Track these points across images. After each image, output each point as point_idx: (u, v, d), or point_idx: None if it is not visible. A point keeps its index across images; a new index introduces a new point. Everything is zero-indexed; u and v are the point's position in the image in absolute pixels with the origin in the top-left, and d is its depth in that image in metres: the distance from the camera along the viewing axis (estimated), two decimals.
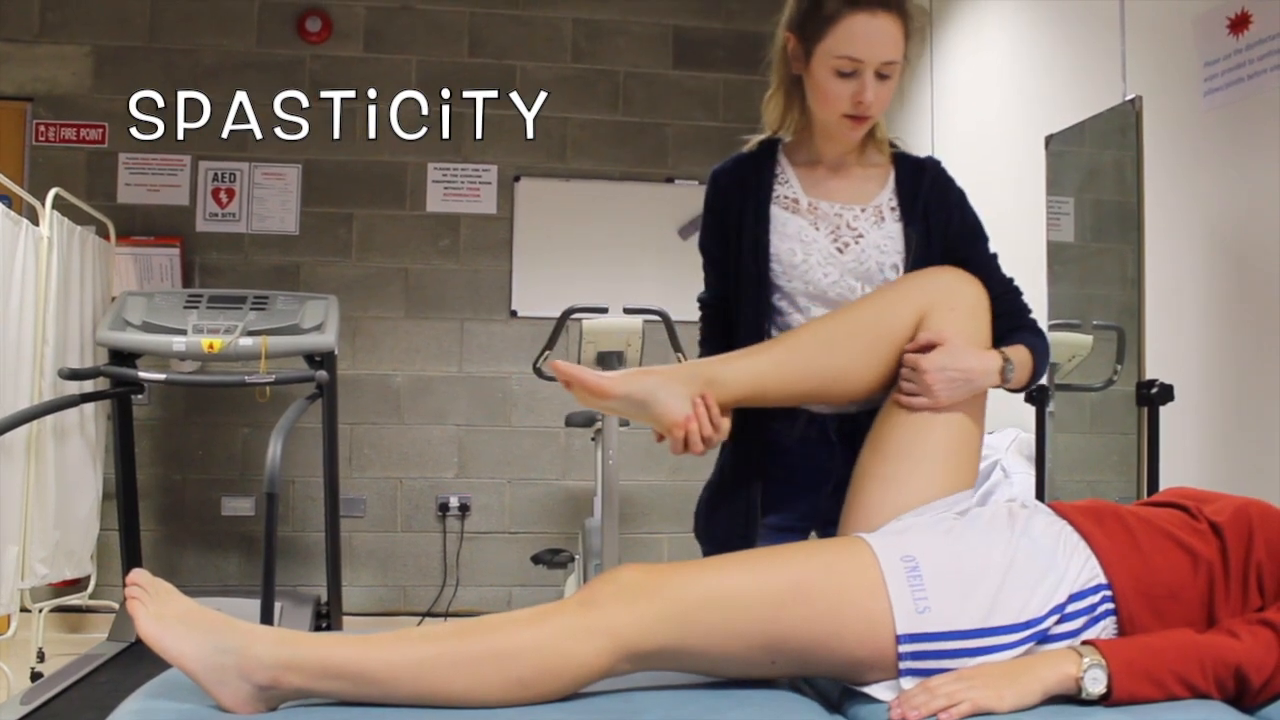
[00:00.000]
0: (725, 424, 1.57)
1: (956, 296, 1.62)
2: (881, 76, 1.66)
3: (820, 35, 1.65)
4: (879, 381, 1.62)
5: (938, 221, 1.76)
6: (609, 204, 5.09)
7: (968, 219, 1.80)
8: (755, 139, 1.86)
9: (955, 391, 1.56)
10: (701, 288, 1.89)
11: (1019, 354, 1.65)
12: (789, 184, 1.80)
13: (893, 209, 1.77)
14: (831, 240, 1.75)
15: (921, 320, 1.59)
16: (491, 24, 5.14)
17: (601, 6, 5.21)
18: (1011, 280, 1.78)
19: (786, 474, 1.79)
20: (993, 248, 1.81)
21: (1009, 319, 1.72)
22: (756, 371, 1.60)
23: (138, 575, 1.36)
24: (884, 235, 1.75)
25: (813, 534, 1.85)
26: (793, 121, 1.81)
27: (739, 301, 1.79)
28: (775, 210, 1.77)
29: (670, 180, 5.16)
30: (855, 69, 1.64)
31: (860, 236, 1.75)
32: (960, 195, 1.82)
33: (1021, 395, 2.70)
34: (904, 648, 1.29)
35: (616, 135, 5.17)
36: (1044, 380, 2.71)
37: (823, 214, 1.76)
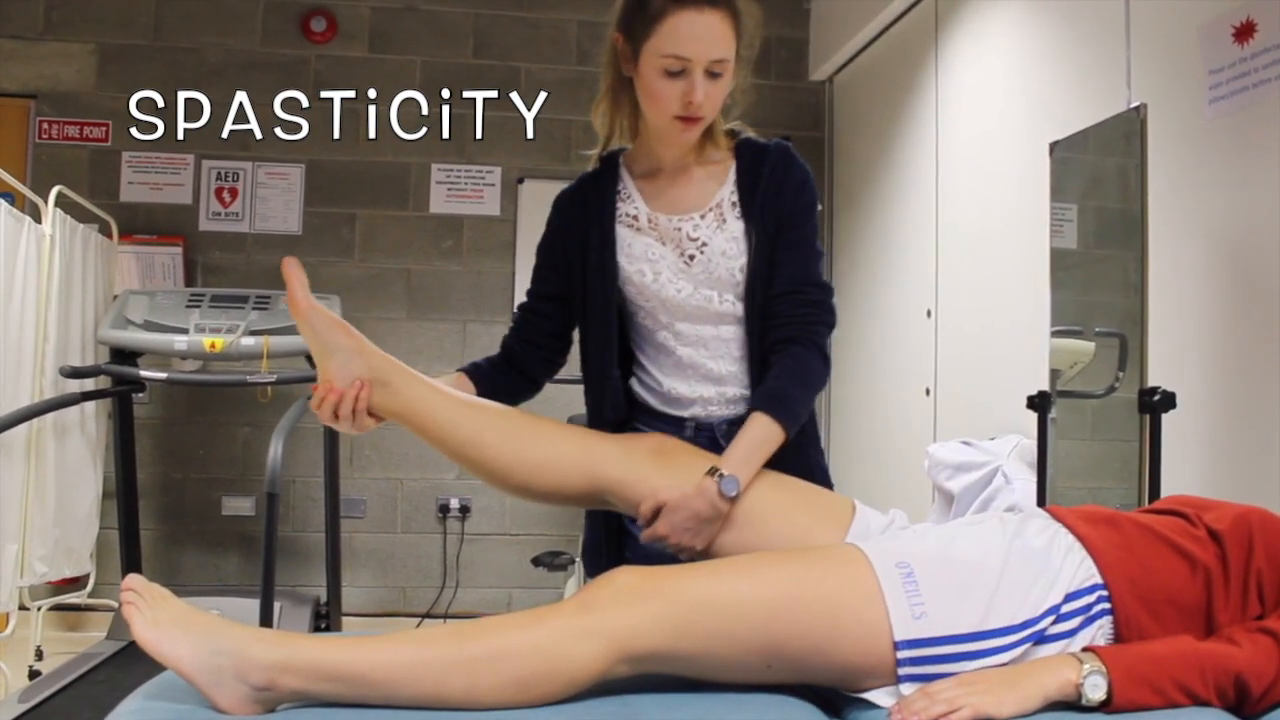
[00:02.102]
0: (367, 423, 1.56)
1: (635, 455, 1.61)
2: (712, 75, 1.62)
3: (646, 34, 1.62)
4: (524, 487, 1.62)
5: (772, 210, 1.70)
6: None
7: (800, 201, 1.72)
8: (594, 154, 1.82)
9: (703, 533, 1.55)
10: None
11: (743, 447, 1.59)
12: (631, 200, 1.76)
13: (734, 205, 1.72)
14: (678, 254, 1.71)
15: (606, 487, 1.59)
16: (496, 25, 5.15)
17: (606, 8, 5.10)
18: (815, 281, 1.71)
19: None
20: (820, 246, 1.74)
21: (786, 328, 1.67)
22: (429, 406, 1.59)
23: (132, 581, 1.36)
24: (727, 238, 1.70)
25: None
26: (622, 127, 1.77)
27: (587, 322, 1.78)
28: (620, 230, 1.74)
29: None
30: (683, 68, 1.60)
31: (704, 245, 1.71)
32: (801, 177, 1.74)
33: (1024, 401, 2.71)
34: (902, 654, 1.28)
35: None
36: (1047, 387, 2.71)
37: (664, 229, 1.73)
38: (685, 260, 1.71)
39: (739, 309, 1.73)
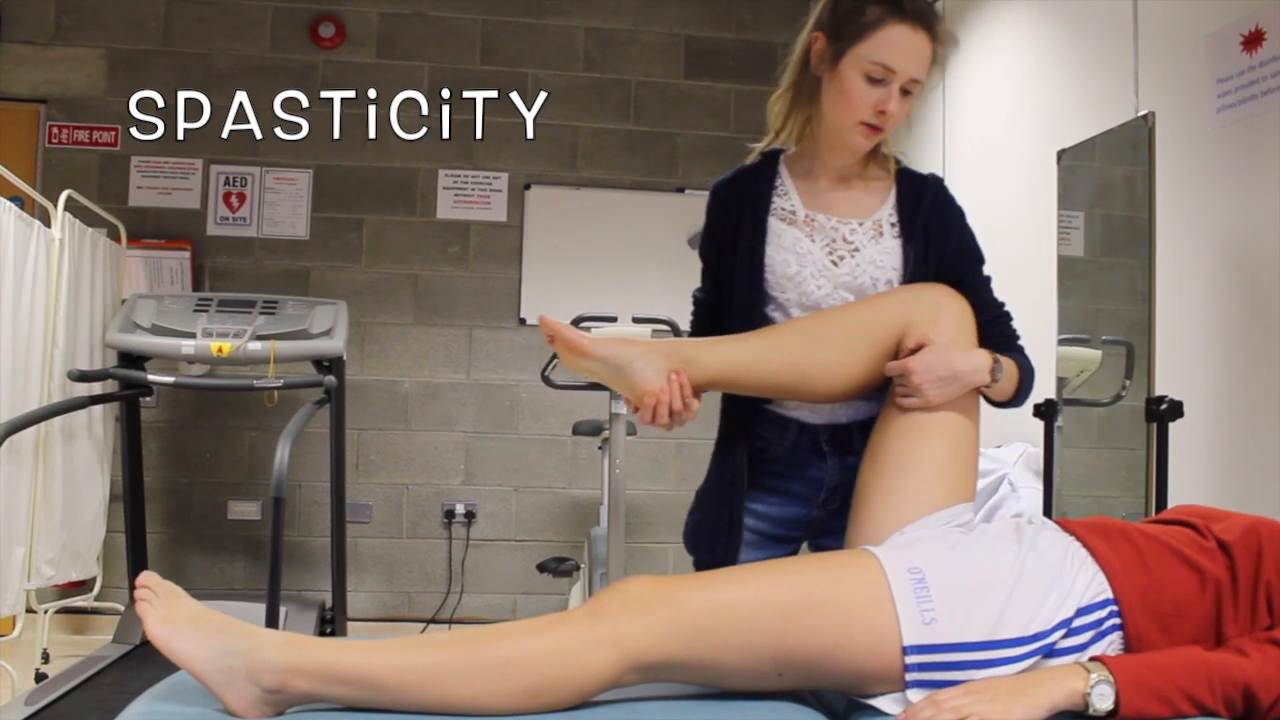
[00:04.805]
0: (695, 404, 1.60)
1: (940, 309, 1.63)
2: (905, 92, 1.67)
3: (858, 39, 1.66)
4: (855, 384, 1.65)
5: (936, 240, 1.77)
6: (619, 213, 5.09)
7: (966, 240, 1.81)
8: (757, 148, 1.87)
9: (945, 390, 1.58)
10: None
11: (1008, 363, 1.67)
12: (787, 196, 1.80)
13: (892, 224, 1.77)
14: (827, 253, 1.75)
15: (905, 330, 1.61)
16: (504, 32, 5.16)
17: (614, 15, 5.22)
18: (1003, 305, 1.79)
19: (777, 484, 1.79)
20: (987, 270, 1.81)
21: (997, 343, 1.72)
22: (735, 358, 1.63)
23: (147, 577, 1.37)
24: (881, 251, 1.75)
25: (804, 545, 1.85)
26: (795, 125, 1.81)
27: (730, 311, 1.80)
28: (772, 222, 1.78)
29: (680, 190, 5.17)
30: (886, 78, 1.65)
31: (856, 250, 1.75)
32: (960, 216, 1.82)
33: (1030, 410, 2.71)
34: (910, 659, 1.29)
35: (627, 144, 5.18)
36: (1053, 395, 2.71)
37: (819, 226, 1.77)
38: (834, 260, 1.75)
39: None
